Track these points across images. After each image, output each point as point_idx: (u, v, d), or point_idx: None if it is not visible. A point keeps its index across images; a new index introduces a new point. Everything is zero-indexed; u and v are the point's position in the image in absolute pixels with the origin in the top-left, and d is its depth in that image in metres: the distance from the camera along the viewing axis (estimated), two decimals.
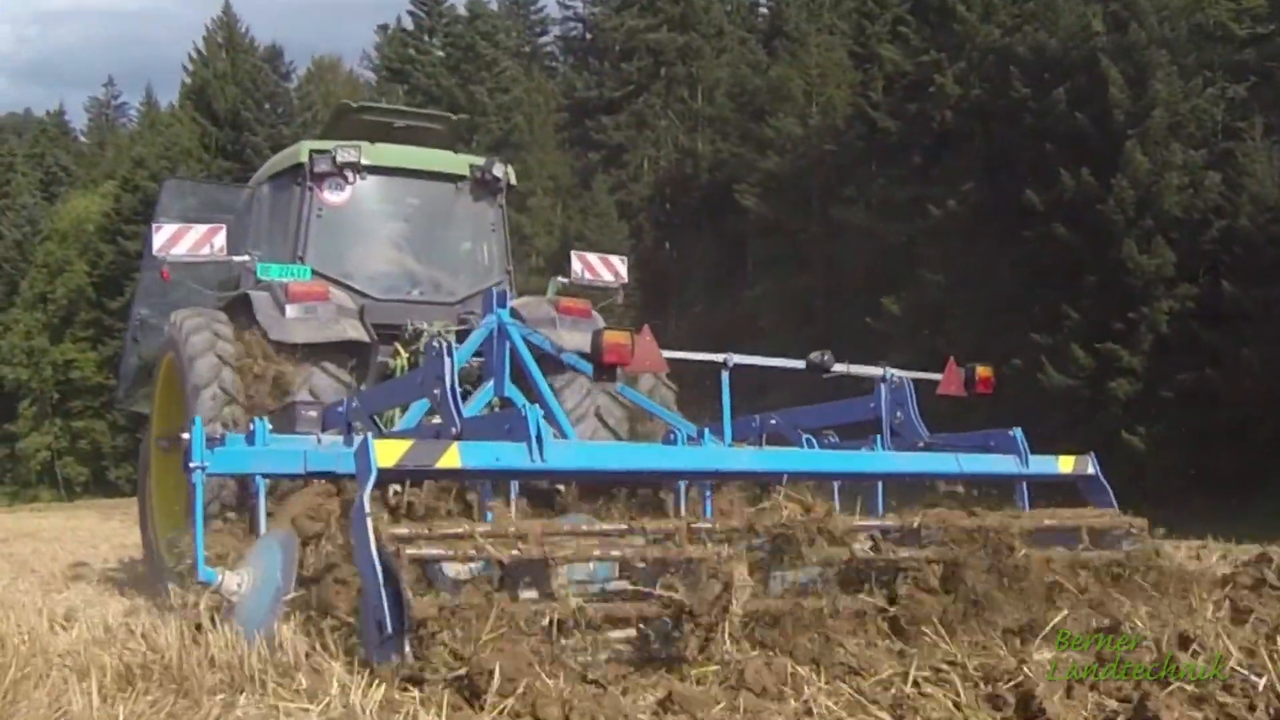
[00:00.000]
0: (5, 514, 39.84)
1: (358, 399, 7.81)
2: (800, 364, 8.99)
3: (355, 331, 9.46)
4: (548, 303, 10.24)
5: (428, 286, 10.82)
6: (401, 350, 9.64)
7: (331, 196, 10.53)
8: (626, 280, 11.28)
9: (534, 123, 46.97)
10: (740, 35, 51.09)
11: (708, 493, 7.88)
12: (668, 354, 8.01)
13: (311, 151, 10.48)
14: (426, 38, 58.15)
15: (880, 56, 36.76)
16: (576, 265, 11.01)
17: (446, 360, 6.39)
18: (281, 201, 10.76)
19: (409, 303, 10.37)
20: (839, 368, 9.01)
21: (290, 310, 9.26)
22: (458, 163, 11.18)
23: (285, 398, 8.94)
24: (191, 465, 6.47)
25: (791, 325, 34.08)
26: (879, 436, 8.35)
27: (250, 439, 7.21)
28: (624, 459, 6.51)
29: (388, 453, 5.12)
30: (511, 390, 8.33)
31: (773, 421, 9.35)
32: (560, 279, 11.00)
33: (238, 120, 57.74)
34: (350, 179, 10.55)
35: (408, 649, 4.66)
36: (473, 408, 7.81)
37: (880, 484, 8.16)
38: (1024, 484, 7.42)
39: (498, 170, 11.13)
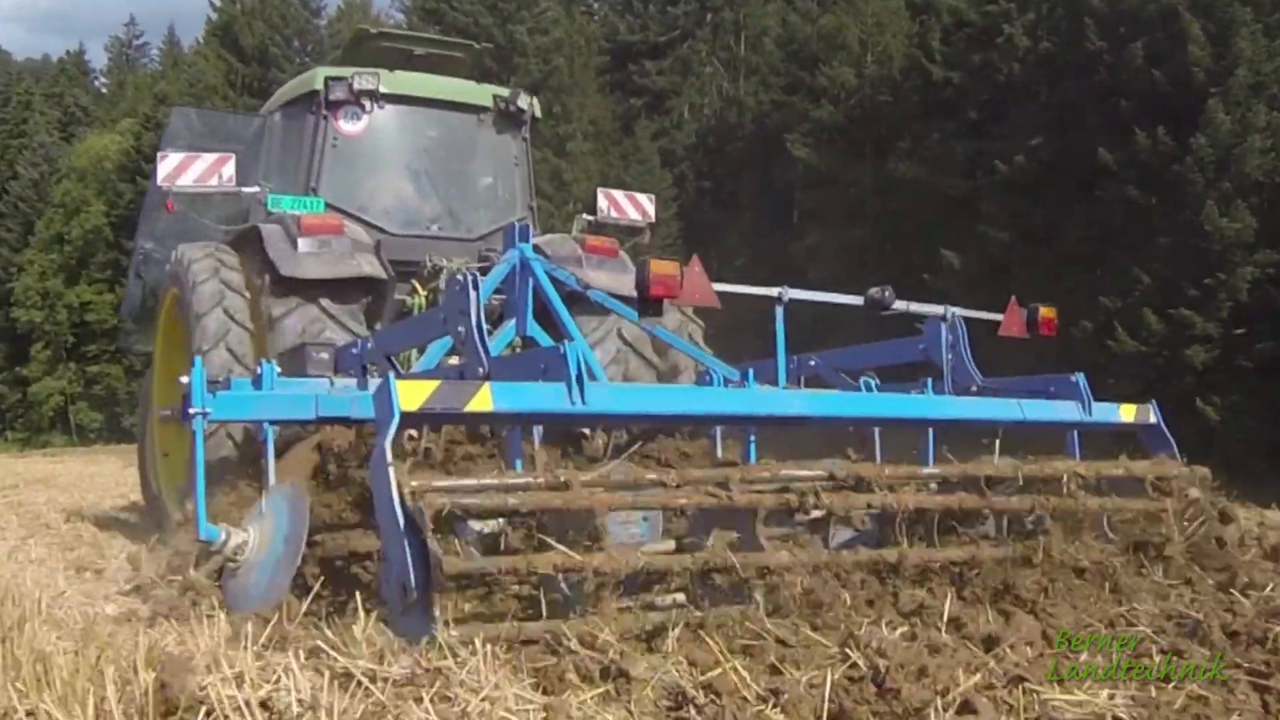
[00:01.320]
0: (16, 459, 39.49)
1: (373, 339, 7.60)
2: (858, 300, 8.86)
3: (371, 267, 9.22)
4: (573, 240, 10.06)
5: (447, 222, 10.70)
6: (419, 288, 9.51)
7: (347, 126, 10.42)
8: (654, 219, 11.10)
9: (575, 65, 46.42)
10: None
11: (751, 439, 7.51)
12: (718, 287, 7.77)
13: (327, 78, 10.35)
14: None
15: (938, 6, 36.10)
16: (603, 202, 10.88)
17: (472, 294, 6.16)
18: (294, 130, 10.64)
19: (427, 238, 10.26)
20: (899, 305, 8.86)
21: (303, 244, 9.02)
22: (480, 93, 11.06)
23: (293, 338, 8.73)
24: (191, 411, 6.10)
25: (843, 278, 33.50)
26: (929, 380, 8.17)
27: (257, 383, 6.86)
28: (672, 402, 6.17)
29: (412, 395, 4.77)
30: (534, 329, 8.14)
31: (812, 363, 9.16)
32: (586, 216, 10.90)
33: (265, 57, 57.51)
34: (367, 108, 10.44)
35: (437, 612, 4.31)
36: (493, 348, 7.49)
37: (931, 430, 7.77)
38: (1075, 433, 7.23)
39: (523, 102, 11.03)
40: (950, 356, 8.33)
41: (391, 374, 5.18)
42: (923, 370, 8.43)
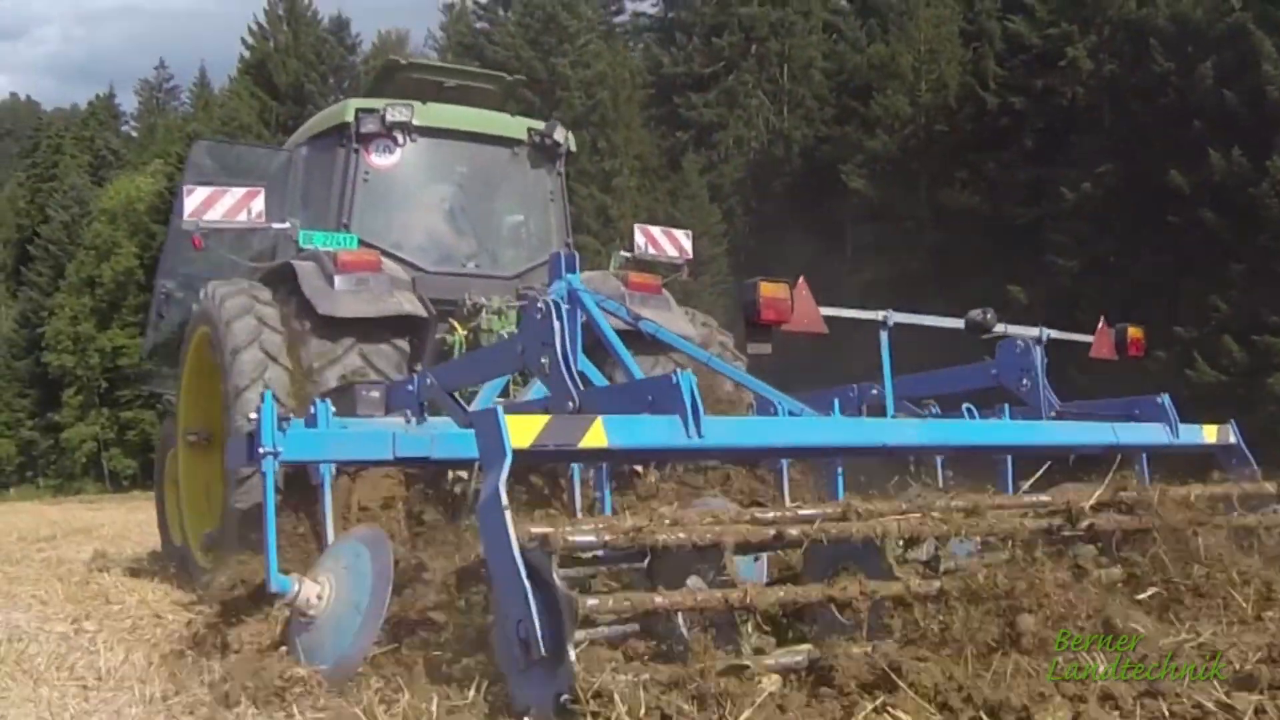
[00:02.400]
0: (51, 505, 39.32)
1: (431, 375, 7.23)
2: (959, 323, 8.70)
3: (411, 306, 9.02)
4: (615, 277, 9.95)
5: (483, 259, 10.59)
6: (458, 327, 9.34)
7: (379, 159, 10.29)
8: (691, 256, 11.04)
9: (619, 99, 46.41)
10: (830, 13, 50.33)
11: (840, 470, 7.51)
12: (824, 311, 7.47)
13: (358, 110, 10.25)
14: (501, 11, 57.77)
15: (991, 33, 36.09)
16: (640, 239, 10.84)
17: (556, 323, 5.84)
18: (323, 164, 10.50)
19: (463, 275, 10.13)
20: (1000, 328, 8.70)
21: (339, 282, 8.81)
22: (515, 126, 10.97)
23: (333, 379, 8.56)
24: (261, 451, 5.73)
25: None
26: (1006, 406, 8.15)
27: (311, 422, 6.52)
28: (790, 434, 5.94)
29: (522, 431, 4.45)
30: (585, 365, 7.83)
31: (874, 392, 8.97)
32: (624, 253, 10.83)
33: (300, 94, 57.97)
34: (400, 141, 10.33)
35: (575, 667, 3.95)
36: (537, 389, 7.43)
37: (1010, 458, 7.78)
38: (1145, 455, 7.30)
39: (558, 135, 10.91)
40: (1025, 381, 8.25)
41: (499, 407, 4.77)
42: (988, 396, 8.39)
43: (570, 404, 5.62)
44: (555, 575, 4.07)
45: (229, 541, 8.26)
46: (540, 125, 10.97)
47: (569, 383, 5.71)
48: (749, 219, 45.85)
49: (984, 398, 8.30)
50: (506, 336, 8.84)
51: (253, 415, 5.82)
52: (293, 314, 8.89)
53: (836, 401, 7.89)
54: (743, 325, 7.09)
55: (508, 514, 4.16)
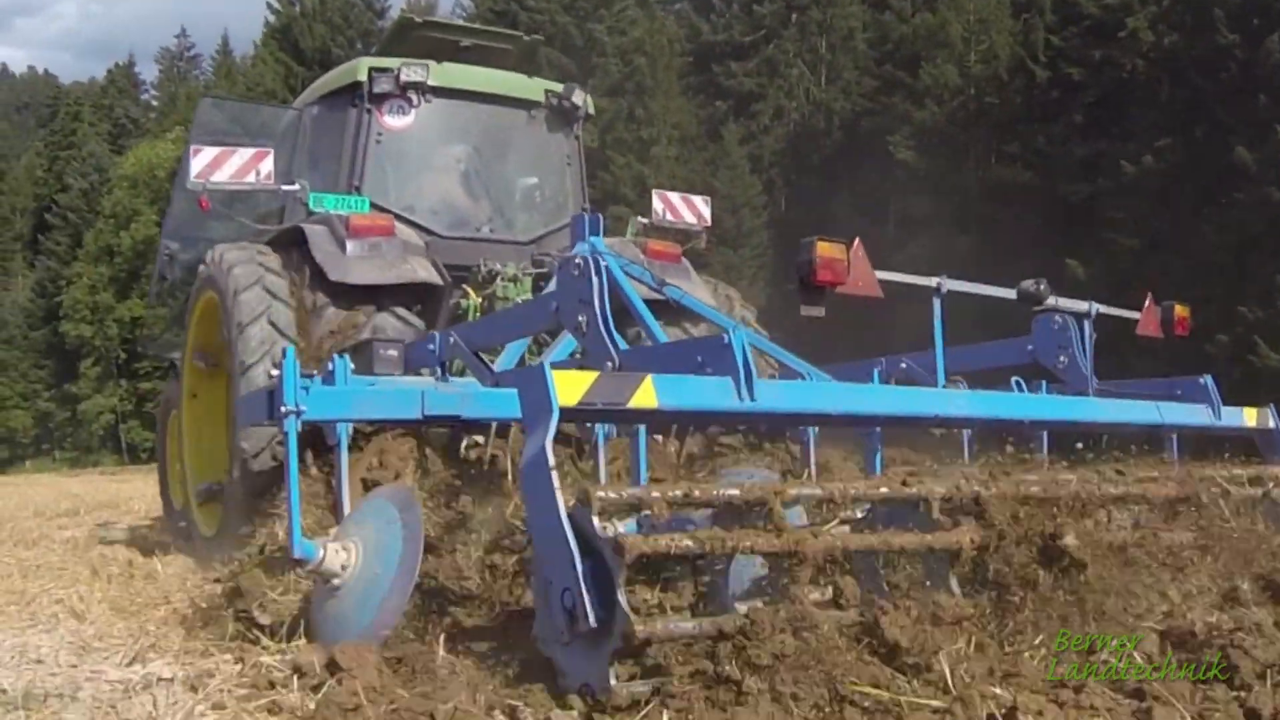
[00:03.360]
0: (70, 477, 38.67)
1: (455, 333, 7.17)
2: (1011, 293, 8.70)
3: (426, 272, 8.97)
4: (633, 244, 9.88)
5: (498, 223, 10.49)
6: (472, 293, 9.26)
7: (392, 120, 10.17)
8: (709, 223, 10.99)
9: (657, 65, 45.92)
10: None
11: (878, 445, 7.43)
12: (879, 275, 7.36)
13: (371, 69, 10.12)
14: None
15: (1040, 3, 35.55)
16: (658, 205, 10.79)
17: (595, 279, 5.78)
18: (334, 124, 10.40)
19: (477, 241, 10.05)
20: (1051, 300, 8.67)
21: (351, 247, 8.77)
22: (532, 88, 10.88)
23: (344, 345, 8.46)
24: (283, 409, 5.51)
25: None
26: (1044, 383, 8.33)
27: (328, 380, 6.28)
28: (844, 401, 5.68)
29: (569, 387, 4.31)
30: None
31: (903, 365, 9.04)
32: (641, 219, 10.79)
33: (327, 60, 57.42)
34: (414, 101, 10.20)
35: (619, 641, 3.87)
36: (507, 359, 7.51)
37: (1045, 434, 7.89)
38: (1175, 436, 7.36)
39: (577, 97, 10.80)
40: (1063, 358, 8.25)
41: (546, 362, 4.67)
42: (1020, 372, 8.47)
43: (609, 364, 5.55)
44: (609, 551, 3.93)
45: (233, 504, 8.30)
46: (558, 87, 10.87)
47: (608, 342, 5.66)
48: (788, 190, 45.42)
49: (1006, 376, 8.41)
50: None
51: (274, 372, 5.67)
52: (302, 279, 8.84)
53: (876, 372, 7.84)
54: (796, 286, 6.77)
55: (554, 474, 4.07)
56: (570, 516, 3.99)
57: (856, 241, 6.88)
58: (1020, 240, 33.24)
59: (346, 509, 6.06)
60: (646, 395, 4.47)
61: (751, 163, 44.90)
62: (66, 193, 69.39)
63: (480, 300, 9.17)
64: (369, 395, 6.29)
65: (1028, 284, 8.60)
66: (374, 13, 63.45)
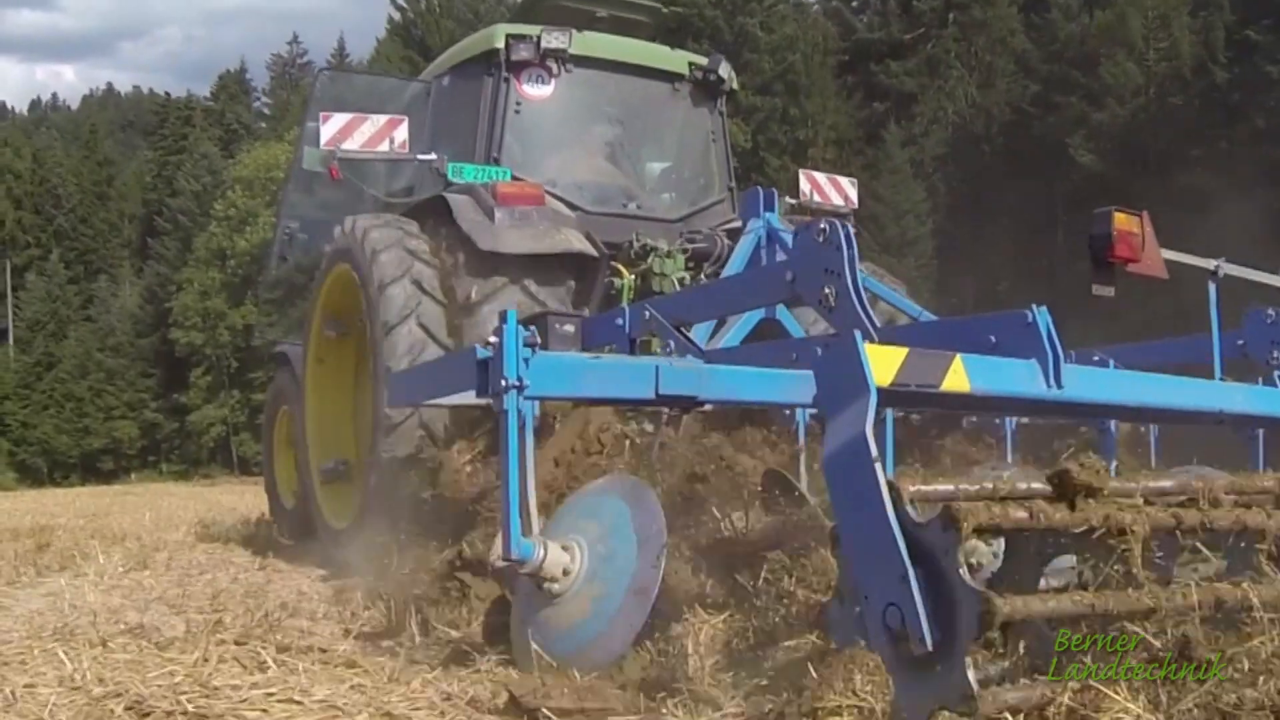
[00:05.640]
0: (178, 492, 37.90)
1: (651, 306, 6.76)
2: None
3: (581, 244, 8.97)
4: (787, 222, 9.75)
5: (644, 200, 10.53)
6: (624, 271, 9.27)
7: (532, 89, 10.24)
8: (856, 204, 11.02)
9: (811, 63, 45.52)
10: None
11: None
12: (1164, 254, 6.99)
13: (509, 36, 10.21)
14: None
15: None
16: (805, 185, 10.83)
17: (846, 249, 5.33)
18: (469, 94, 10.46)
19: (624, 217, 10.04)
20: None
21: (500, 215, 8.76)
22: (676, 60, 11.02)
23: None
24: (504, 384, 4.90)
25: (1135, 308, 32.02)
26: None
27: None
28: (1159, 393, 5.18)
29: (880, 365, 3.88)
30: (783, 313, 8.02)
31: (1095, 359, 8.44)
32: (789, 200, 10.68)
33: None
34: (554, 70, 10.26)
35: (971, 678, 3.19)
36: (732, 336, 7.57)
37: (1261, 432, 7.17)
38: (1260, 434, 6.89)
39: (723, 70, 10.88)
40: (1277, 354, 7.88)
41: (858, 334, 4.01)
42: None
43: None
44: (951, 563, 3.31)
45: (374, 496, 8.36)
46: (702, 60, 10.95)
47: (863, 316, 5.22)
48: (949, 198, 44.80)
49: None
50: (678, 283, 9.02)
51: (492, 339, 5.10)
52: (447, 250, 8.86)
53: (1112, 362, 7.10)
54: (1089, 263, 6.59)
55: (879, 466, 3.53)
56: (903, 522, 3.40)
57: (1144, 215, 6.61)
58: (1215, 250, 32.26)
59: (533, 504, 5.41)
60: (958, 378, 4.20)
61: (913, 167, 44.43)
62: (177, 196, 70.41)
63: (633, 278, 9.16)
64: (599, 369, 5.75)
65: None
66: (506, 9, 63.81)
